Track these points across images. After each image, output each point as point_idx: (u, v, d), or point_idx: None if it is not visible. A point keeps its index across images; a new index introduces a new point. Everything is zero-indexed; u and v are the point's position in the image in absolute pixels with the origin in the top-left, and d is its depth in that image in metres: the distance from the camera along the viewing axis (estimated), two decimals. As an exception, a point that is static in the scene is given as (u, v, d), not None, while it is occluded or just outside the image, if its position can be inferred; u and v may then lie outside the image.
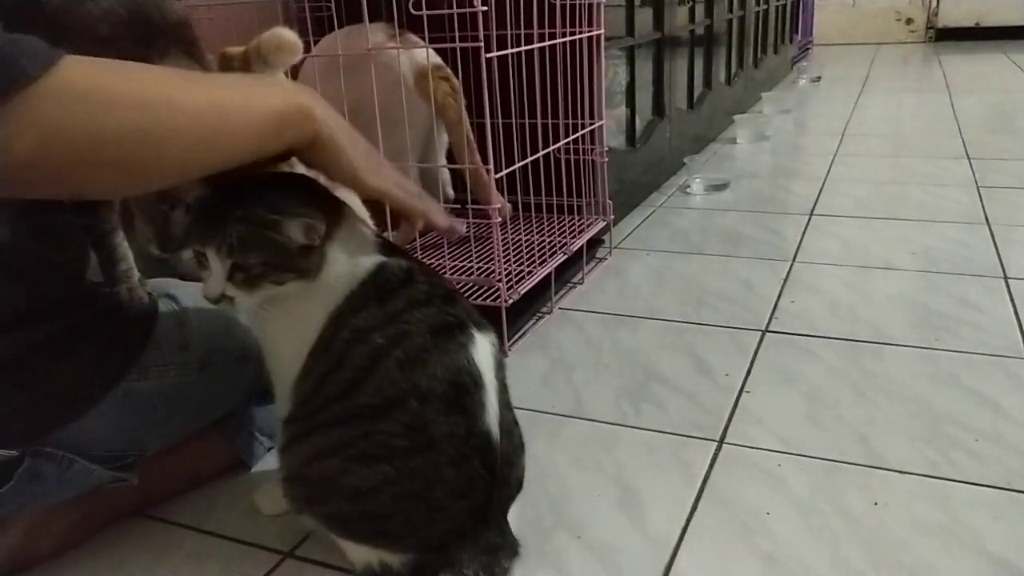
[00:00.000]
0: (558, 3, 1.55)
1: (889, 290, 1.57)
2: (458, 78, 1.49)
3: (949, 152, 2.67)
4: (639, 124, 2.16)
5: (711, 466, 1.05)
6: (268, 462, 1.08)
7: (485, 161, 1.33)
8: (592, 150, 1.70)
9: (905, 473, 1.01)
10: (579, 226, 1.69)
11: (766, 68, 4.03)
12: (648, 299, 1.59)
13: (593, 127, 1.67)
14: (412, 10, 1.20)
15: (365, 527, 0.79)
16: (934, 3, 6.31)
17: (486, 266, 1.49)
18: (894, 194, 2.23)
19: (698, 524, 0.94)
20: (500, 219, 1.35)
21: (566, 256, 1.58)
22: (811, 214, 2.08)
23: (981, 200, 2.12)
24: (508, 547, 0.81)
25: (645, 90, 2.21)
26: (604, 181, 1.73)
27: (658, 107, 2.33)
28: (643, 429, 1.14)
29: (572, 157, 1.68)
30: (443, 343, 0.77)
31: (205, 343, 0.97)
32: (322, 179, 0.81)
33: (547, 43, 1.53)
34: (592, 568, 0.88)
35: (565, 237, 1.64)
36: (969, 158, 2.57)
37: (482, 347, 0.79)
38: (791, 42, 4.94)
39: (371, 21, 1.29)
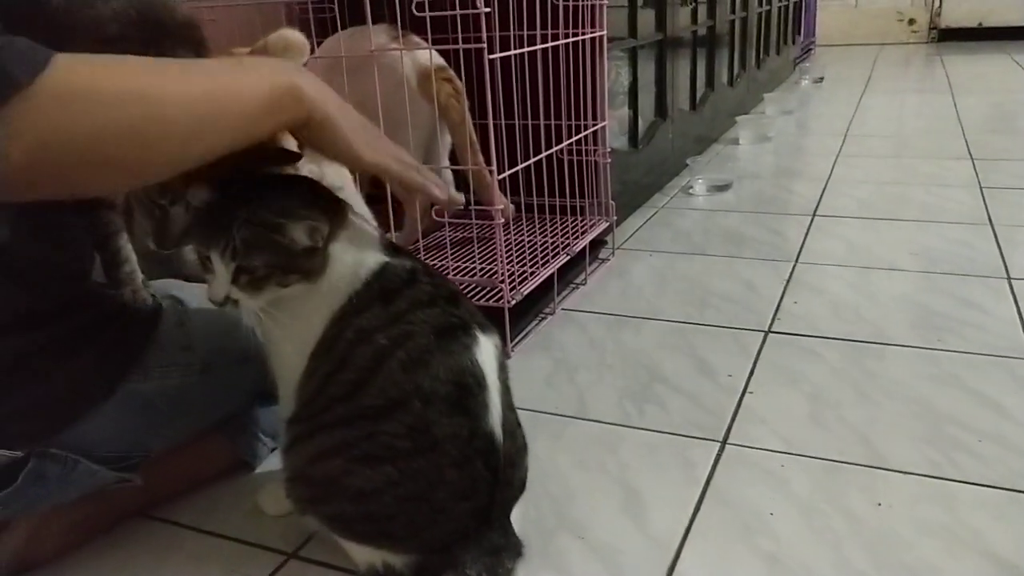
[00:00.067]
0: (561, 4, 1.55)
1: (892, 291, 1.57)
2: (461, 79, 1.49)
3: (952, 153, 2.67)
4: (641, 125, 2.16)
5: (714, 467, 1.05)
6: (271, 463, 1.08)
7: (488, 162, 1.33)
8: (595, 151, 1.70)
9: (907, 474, 1.01)
10: (582, 227, 1.69)
11: (768, 69, 4.02)
12: (651, 300, 1.59)
13: (595, 128, 1.67)
14: (415, 11, 1.20)
15: (368, 528, 0.79)
16: (936, 3, 6.30)
17: (489, 267, 1.49)
18: (897, 195, 2.23)
19: (701, 525, 0.94)
20: (503, 220, 1.35)
21: (569, 257, 1.58)
22: (814, 215, 2.08)
23: (984, 200, 2.11)
24: (511, 548, 0.81)
25: (647, 91, 2.21)
26: (607, 182, 1.73)
27: (660, 108, 2.33)
28: (646, 430, 1.14)
29: (575, 158, 1.68)
30: (446, 344, 0.77)
31: (208, 344, 0.97)
32: (325, 173, 0.81)
33: (550, 44, 1.53)
34: (595, 569, 0.88)
35: (568, 238, 1.64)
36: (972, 158, 2.57)
37: (485, 348, 0.79)
38: (793, 43, 4.94)
39: (374, 22, 1.30)
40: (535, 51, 1.53)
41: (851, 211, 2.10)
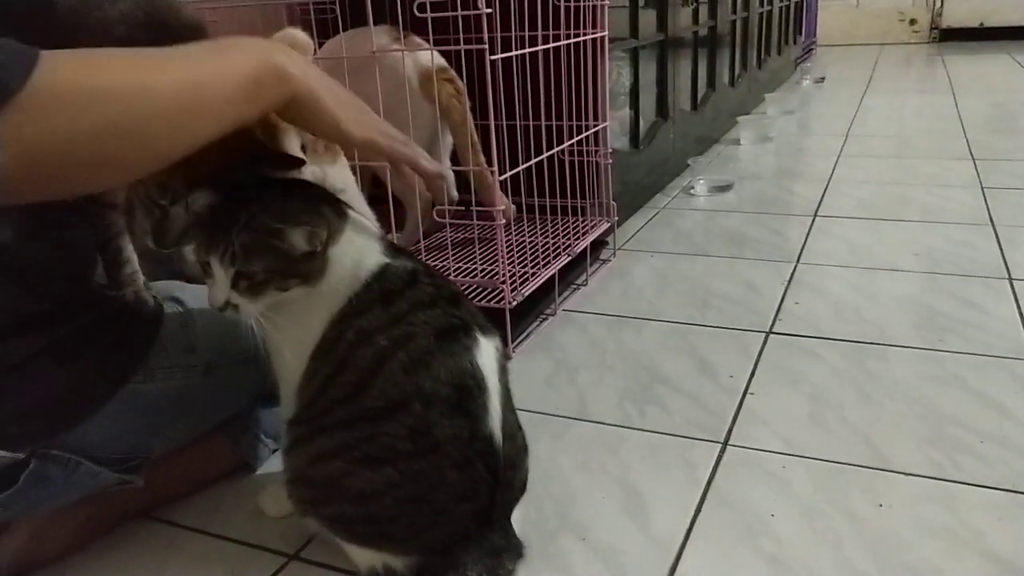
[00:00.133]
0: (562, 5, 1.55)
1: (893, 291, 1.57)
2: (462, 80, 1.49)
3: (953, 153, 2.66)
4: (643, 125, 2.16)
5: (715, 468, 1.05)
6: (273, 464, 1.08)
7: (489, 163, 1.33)
8: (596, 152, 1.70)
9: (910, 475, 1.01)
10: (583, 228, 1.69)
11: (770, 69, 4.02)
12: (652, 301, 1.59)
13: (597, 129, 1.67)
14: (416, 12, 1.20)
15: (369, 530, 0.79)
16: (938, 3, 6.30)
17: (490, 268, 1.49)
18: (898, 195, 2.23)
19: (702, 526, 0.94)
20: (504, 221, 1.35)
21: (570, 258, 1.58)
22: (815, 215, 2.08)
23: (985, 201, 2.11)
24: (512, 549, 0.81)
25: (649, 91, 2.21)
26: (608, 183, 1.73)
27: (662, 108, 2.33)
28: (647, 431, 1.14)
29: (576, 159, 1.68)
30: (447, 346, 0.77)
31: (210, 345, 0.97)
32: (327, 175, 0.81)
33: (551, 45, 1.53)
34: (596, 570, 0.88)
35: (569, 239, 1.64)
36: (973, 159, 2.57)
37: (486, 350, 0.79)
38: (794, 43, 4.94)
39: (375, 23, 1.30)
40: (536, 52, 1.53)
41: (852, 211, 2.10)
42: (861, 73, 4.83)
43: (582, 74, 1.62)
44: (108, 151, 0.61)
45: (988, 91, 3.91)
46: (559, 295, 1.57)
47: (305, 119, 0.74)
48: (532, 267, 1.51)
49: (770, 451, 1.08)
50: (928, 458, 1.04)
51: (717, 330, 1.45)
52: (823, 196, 2.26)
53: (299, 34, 0.89)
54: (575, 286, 1.68)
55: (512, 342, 1.41)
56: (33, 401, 0.83)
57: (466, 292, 1.35)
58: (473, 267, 1.52)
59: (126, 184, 0.84)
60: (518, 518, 0.84)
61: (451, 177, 1.71)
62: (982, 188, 2.23)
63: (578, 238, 1.64)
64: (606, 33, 1.63)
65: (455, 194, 1.74)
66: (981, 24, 6.17)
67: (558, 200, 1.66)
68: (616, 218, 1.76)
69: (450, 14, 1.20)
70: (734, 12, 3.16)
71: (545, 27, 1.55)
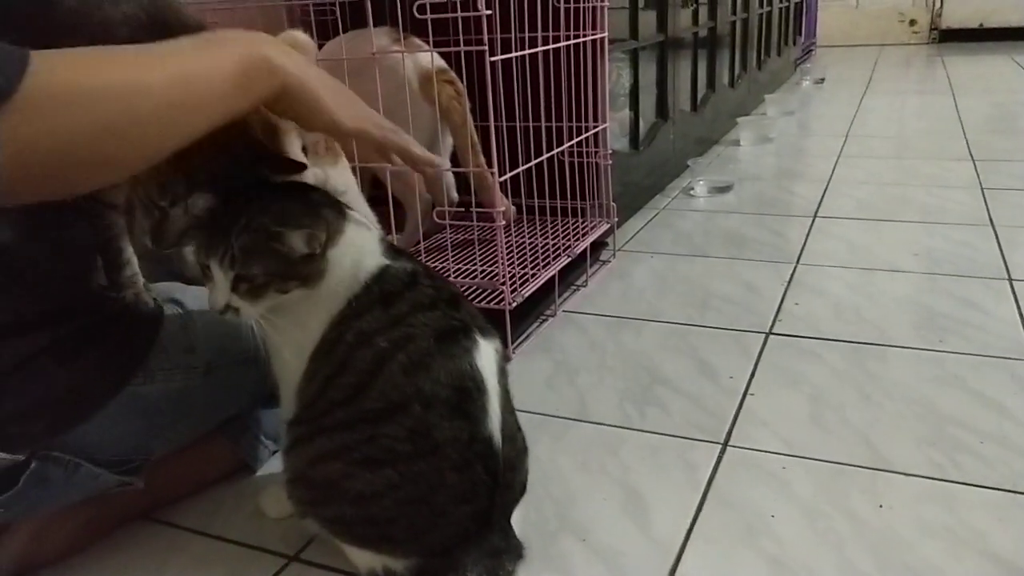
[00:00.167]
0: (562, 6, 1.55)
1: (893, 292, 1.57)
2: (462, 81, 1.50)
3: (953, 154, 2.67)
4: (643, 126, 2.16)
5: (715, 469, 1.05)
6: (273, 465, 1.08)
7: (489, 164, 1.34)
8: (596, 153, 1.70)
9: (910, 475, 1.01)
10: (583, 229, 1.69)
11: (769, 70, 4.03)
12: (652, 301, 1.59)
13: (597, 130, 1.67)
14: (416, 14, 1.20)
15: (368, 531, 0.79)
16: (937, 4, 6.30)
17: (490, 269, 1.49)
18: (898, 196, 2.23)
19: (703, 527, 0.94)
20: (504, 222, 1.35)
21: (570, 259, 1.58)
22: (815, 216, 2.08)
23: (985, 201, 2.11)
24: (512, 551, 0.81)
25: (649, 92, 2.21)
26: (608, 184, 1.73)
27: (662, 109, 2.33)
28: (647, 432, 1.14)
29: (576, 160, 1.68)
30: (447, 347, 0.77)
31: (210, 346, 0.97)
32: (329, 177, 0.81)
33: (551, 46, 1.53)
34: (597, 571, 0.88)
35: (569, 240, 1.64)
36: (973, 159, 2.57)
37: (486, 352, 0.79)
38: (794, 44, 4.94)
39: (375, 25, 1.30)
40: (536, 53, 1.53)
41: (852, 212, 2.10)
42: (861, 74, 4.83)
43: (582, 75, 1.62)
44: (102, 150, 0.61)
45: (988, 92, 3.91)
46: (559, 296, 1.57)
47: (296, 111, 0.74)
48: (532, 268, 1.51)
49: (770, 452, 1.08)
50: (928, 458, 1.04)
51: (717, 331, 1.45)
52: (823, 197, 2.26)
53: (301, 36, 0.89)
54: (575, 287, 1.68)
55: (512, 343, 1.41)
56: (33, 402, 0.83)
57: (466, 293, 1.35)
58: (473, 268, 1.52)
59: (123, 183, 0.84)
60: (518, 519, 0.84)
61: (451, 178, 1.71)
62: (982, 189, 2.23)
63: (578, 239, 1.64)
64: (606, 34, 1.63)
65: (455, 195, 1.74)
66: (981, 25, 6.18)
67: (558, 201, 1.66)
68: (616, 219, 1.76)
69: (450, 15, 1.20)
70: (734, 13, 3.16)
71: (545, 28, 1.55)
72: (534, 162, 1.50)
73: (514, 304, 1.37)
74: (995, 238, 1.83)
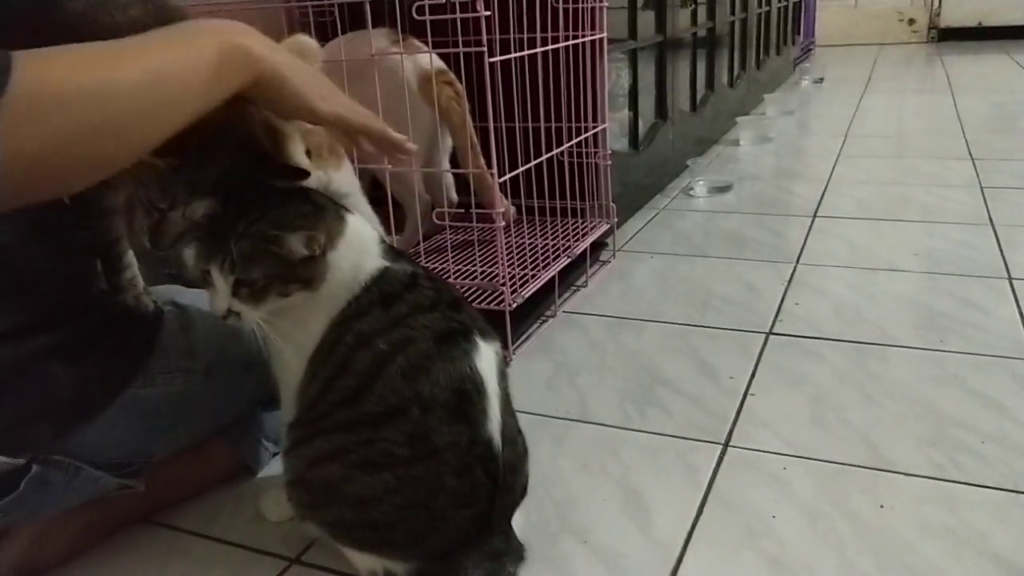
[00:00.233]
0: (560, 7, 1.55)
1: (893, 292, 1.57)
2: (461, 82, 1.50)
3: (952, 153, 2.67)
4: (642, 127, 2.16)
5: (716, 469, 1.05)
6: (274, 468, 1.08)
7: (489, 165, 1.34)
8: (595, 153, 1.70)
9: (911, 475, 1.01)
10: (582, 229, 1.69)
11: (768, 70, 4.03)
12: (652, 302, 1.59)
13: (596, 130, 1.67)
14: (415, 15, 1.20)
15: (368, 535, 0.79)
16: (936, 3, 6.30)
17: (490, 270, 1.49)
18: (897, 195, 2.23)
19: (704, 528, 0.94)
20: (504, 223, 1.35)
21: (570, 259, 1.58)
22: (814, 216, 2.08)
23: (985, 201, 2.11)
24: (513, 553, 0.81)
25: (648, 93, 2.21)
26: (607, 184, 1.73)
27: (661, 110, 2.33)
28: (648, 433, 1.14)
29: (575, 160, 1.68)
30: (447, 350, 0.77)
31: (210, 349, 0.97)
32: (332, 179, 0.81)
33: (550, 47, 1.53)
34: (598, 573, 0.88)
35: (568, 240, 1.64)
36: (972, 159, 2.57)
37: (486, 355, 0.79)
38: (793, 43, 4.94)
39: (374, 27, 1.30)
40: (535, 54, 1.53)
41: (852, 212, 2.10)
42: (860, 73, 4.83)
43: (581, 76, 1.62)
44: (84, 151, 0.61)
45: (987, 91, 3.91)
46: (559, 297, 1.57)
47: (271, 98, 0.74)
48: (532, 269, 1.51)
49: (771, 452, 1.08)
50: (929, 459, 1.04)
51: (717, 331, 1.45)
52: (822, 196, 2.26)
53: (308, 40, 0.89)
54: (575, 288, 1.68)
55: (512, 344, 1.41)
56: (34, 405, 0.83)
57: (466, 294, 1.35)
58: (473, 269, 1.52)
59: (123, 185, 0.84)
60: (519, 521, 0.84)
61: (450, 179, 1.71)
62: (981, 188, 2.23)
63: (578, 240, 1.64)
64: (604, 35, 1.63)
65: (455, 196, 1.74)
66: (979, 24, 6.18)
67: (558, 202, 1.66)
68: (616, 219, 1.76)
69: (449, 17, 1.20)
70: (733, 13, 3.16)
71: (544, 29, 1.55)
72: (533, 163, 1.50)
73: (514, 305, 1.37)
74: (995, 237, 1.83)
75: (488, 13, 1.19)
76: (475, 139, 1.51)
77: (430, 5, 1.18)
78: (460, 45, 1.27)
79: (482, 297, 1.41)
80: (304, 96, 0.74)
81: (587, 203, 1.73)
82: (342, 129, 0.81)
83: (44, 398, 0.83)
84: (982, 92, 3.87)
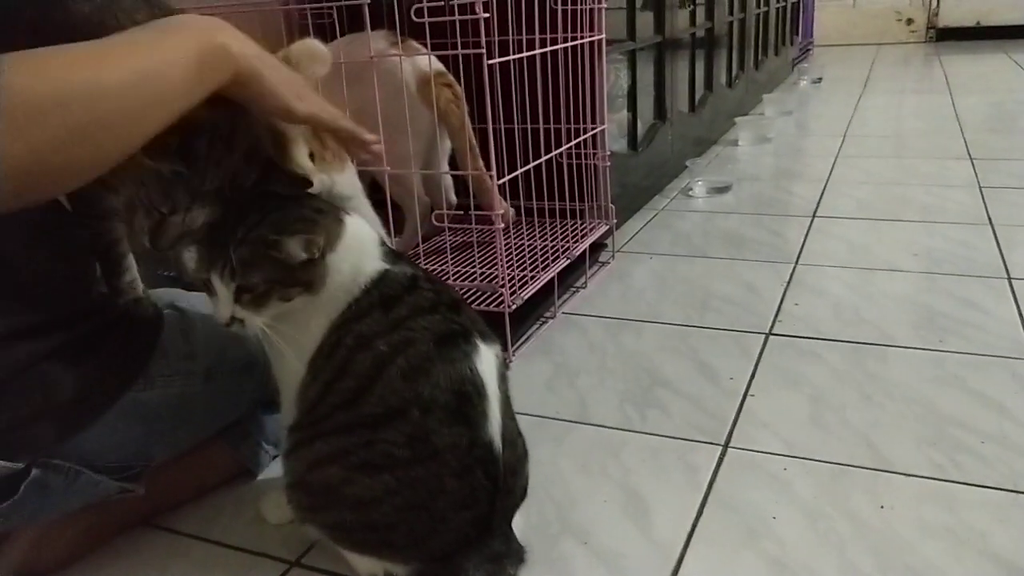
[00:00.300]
0: (559, 8, 1.55)
1: (893, 292, 1.57)
2: (460, 84, 1.50)
3: (951, 152, 2.67)
4: (641, 128, 2.16)
5: (716, 470, 1.05)
6: (274, 470, 1.08)
7: (488, 166, 1.33)
8: (594, 154, 1.70)
9: (911, 476, 1.01)
10: (582, 230, 1.69)
11: (767, 70, 4.03)
12: (651, 303, 1.59)
13: (595, 131, 1.67)
14: (414, 17, 1.20)
15: (368, 537, 0.79)
16: (934, 3, 6.30)
17: (489, 271, 1.49)
18: (896, 195, 2.23)
19: (704, 529, 0.94)
20: (503, 224, 1.35)
21: (569, 261, 1.58)
22: (813, 216, 2.08)
23: (984, 201, 2.11)
24: (513, 555, 0.81)
25: (646, 93, 2.21)
26: (606, 185, 1.73)
27: (659, 110, 2.33)
28: (648, 434, 1.14)
29: (574, 161, 1.68)
30: (447, 352, 0.77)
31: (210, 352, 0.97)
32: (336, 182, 0.82)
33: (549, 49, 1.53)
34: (598, 574, 0.88)
35: (568, 241, 1.64)
36: (971, 158, 2.57)
37: (486, 358, 0.79)
38: (791, 44, 4.94)
39: (373, 29, 1.30)
40: (534, 55, 1.53)
41: (851, 212, 2.10)
42: (858, 73, 4.84)
43: (580, 77, 1.62)
44: (71, 153, 0.62)
45: (985, 90, 3.92)
46: (558, 298, 1.57)
47: (248, 97, 0.75)
48: (531, 270, 1.51)
49: (771, 453, 1.08)
50: (929, 459, 1.04)
51: (717, 332, 1.45)
52: (821, 196, 2.26)
53: (317, 45, 0.89)
54: (574, 289, 1.68)
55: (512, 346, 1.40)
56: (34, 409, 0.83)
57: (465, 296, 1.35)
58: (472, 271, 1.52)
59: (124, 187, 0.84)
60: (519, 523, 0.84)
61: (449, 181, 1.71)
62: (980, 188, 2.23)
63: (577, 241, 1.64)
64: (603, 36, 1.63)
65: (454, 198, 1.74)
66: (978, 23, 6.18)
67: (557, 203, 1.66)
68: (615, 221, 1.76)
69: (447, 19, 1.20)
70: (731, 13, 3.16)
71: (542, 31, 1.55)
72: (532, 164, 1.50)
73: (513, 307, 1.37)
74: (994, 237, 1.83)
75: (487, 15, 1.19)
76: (474, 141, 1.51)
77: (429, 7, 1.18)
78: (459, 47, 1.27)
79: (481, 299, 1.41)
80: (280, 95, 0.75)
81: (586, 204, 1.73)
82: (315, 128, 0.83)
83: (44, 401, 0.83)
84: (980, 92, 3.88)
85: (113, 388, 0.89)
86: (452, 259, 1.54)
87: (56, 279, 0.86)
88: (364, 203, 1.12)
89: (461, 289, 1.40)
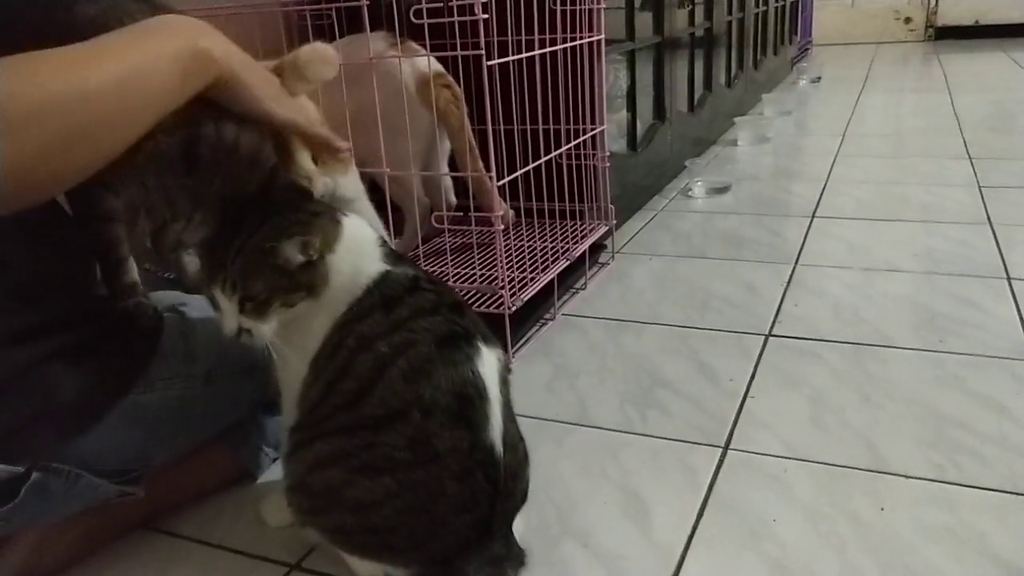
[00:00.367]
0: (558, 9, 1.55)
1: (892, 292, 1.57)
2: (459, 85, 1.50)
3: (950, 152, 2.67)
4: (640, 128, 2.16)
5: (716, 472, 1.05)
6: (274, 473, 1.08)
7: (487, 168, 1.33)
8: (593, 155, 1.70)
9: (911, 477, 1.01)
10: (581, 231, 1.69)
11: (766, 69, 4.03)
12: (651, 304, 1.59)
13: (594, 132, 1.67)
14: (413, 19, 1.20)
15: (369, 540, 0.79)
16: (933, 2, 6.31)
17: (489, 273, 1.49)
18: (896, 195, 2.23)
19: (704, 531, 0.94)
20: (502, 226, 1.35)
21: (568, 262, 1.58)
22: (813, 216, 2.08)
23: (983, 200, 2.11)
24: (514, 558, 0.81)
25: (646, 94, 2.21)
26: (606, 186, 1.73)
27: (659, 110, 2.33)
28: (648, 436, 1.14)
29: (574, 162, 1.68)
30: (448, 354, 0.77)
31: (211, 354, 0.97)
32: (339, 185, 0.82)
33: (548, 49, 1.53)
34: (599, 576, 0.88)
35: (567, 242, 1.64)
36: (970, 158, 2.57)
37: (488, 360, 0.79)
38: (790, 43, 4.94)
39: (372, 30, 1.30)
40: (533, 56, 1.53)
41: (850, 212, 2.10)
42: (857, 72, 4.84)
43: (579, 77, 1.62)
44: (61, 159, 0.63)
45: (984, 89, 3.92)
46: (558, 299, 1.57)
47: (228, 99, 0.76)
48: (531, 272, 1.51)
49: (771, 455, 1.08)
50: (929, 460, 1.04)
51: (717, 333, 1.45)
52: (821, 196, 2.26)
53: (325, 48, 0.89)
54: (574, 290, 1.68)
55: (512, 347, 1.40)
56: (34, 412, 0.83)
57: (465, 298, 1.35)
58: (472, 272, 1.52)
59: (126, 190, 0.84)
60: (519, 525, 0.83)
61: (449, 182, 1.71)
62: (979, 187, 2.23)
63: (576, 242, 1.64)
64: (602, 36, 1.63)
65: (453, 199, 1.74)
66: (976, 22, 6.18)
67: (556, 204, 1.66)
68: (614, 221, 1.76)
69: (447, 20, 1.20)
70: (730, 13, 3.16)
71: (542, 31, 1.55)
72: (532, 165, 1.50)
73: (513, 308, 1.37)
74: (993, 237, 1.83)
75: (486, 16, 1.19)
76: (473, 142, 1.51)
77: (428, 8, 1.18)
78: (458, 48, 1.27)
79: (481, 300, 1.41)
80: (259, 100, 0.77)
81: (586, 205, 1.73)
82: (291, 132, 0.83)
83: (44, 404, 0.83)
84: (979, 90, 3.88)
85: (113, 391, 0.89)
86: (452, 261, 1.54)
87: (56, 281, 0.86)
88: (367, 205, 1.12)
89: (461, 291, 1.40)
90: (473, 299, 1.41)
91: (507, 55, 1.40)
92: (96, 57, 0.67)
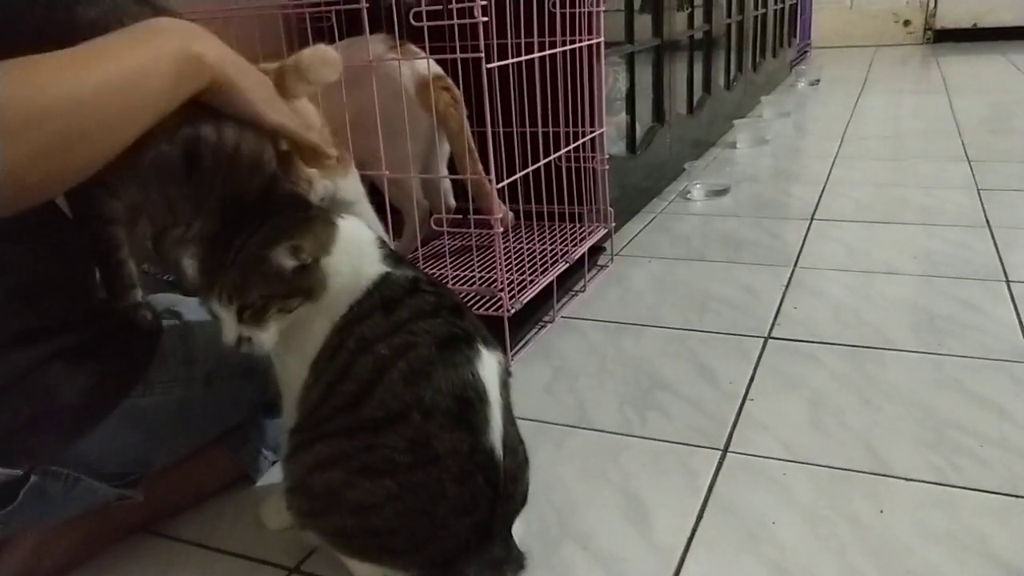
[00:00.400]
0: (558, 11, 1.55)
1: (892, 294, 1.57)
2: (459, 88, 1.50)
3: (949, 154, 2.67)
4: (639, 130, 2.16)
5: (716, 474, 1.05)
6: (273, 476, 1.08)
7: (486, 170, 1.33)
8: (593, 157, 1.70)
9: (911, 480, 1.01)
10: (580, 234, 1.69)
11: (765, 72, 4.03)
12: (650, 306, 1.59)
13: (594, 135, 1.67)
14: (412, 21, 1.20)
15: (369, 543, 0.79)
16: (932, 4, 6.31)
17: (488, 275, 1.49)
18: (895, 197, 2.23)
19: (704, 533, 0.94)
20: (502, 228, 1.35)
21: (568, 264, 1.58)
22: (812, 218, 2.08)
23: (981, 203, 2.12)
24: (513, 561, 0.81)
25: (645, 96, 2.21)
26: (605, 188, 1.73)
27: (658, 113, 2.33)
28: (647, 438, 1.14)
29: (573, 165, 1.68)
30: (449, 356, 0.77)
31: (210, 357, 0.97)
32: (339, 187, 0.82)
33: (547, 52, 1.53)
34: (599, 579, 0.88)
35: (566, 245, 1.64)
36: (969, 160, 2.57)
37: (488, 363, 0.79)
38: (789, 45, 4.95)
39: (371, 32, 1.30)
40: (533, 59, 1.53)
41: (850, 214, 2.10)
42: (856, 75, 4.84)
43: (578, 80, 1.62)
44: (58, 161, 0.63)
45: (983, 92, 3.92)
46: (557, 302, 1.57)
47: (221, 103, 0.77)
48: (530, 274, 1.51)
49: (771, 457, 1.08)
50: (929, 462, 1.04)
51: (716, 335, 1.45)
52: (820, 198, 2.26)
53: (328, 51, 0.89)
54: (573, 293, 1.68)
55: (511, 350, 1.40)
56: (33, 416, 0.83)
57: (464, 300, 1.35)
58: (471, 275, 1.52)
59: (127, 194, 0.84)
60: (519, 529, 0.83)
61: (448, 185, 1.71)
62: (978, 190, 2.24)
63: (576, 244, 1.64)
64: (602, 39, 1.63)
65: (452, 202, 1.74)
66: (975, 25, 6.19)
67: (555, 206, 1.66)
68: (613, 223, 1.76)
69: (446, 23, 1.20)
70: (729, 16, 3.17)
71: (541, 34, 1.55)
72: (531, 168, 1.50)
73: (512, 311, 1.37)
74: (992, 239, 1.83)
75: (486, 19, 1.19)
76: (473, 144, 1.51)
77: (427, 11, 1.18)
78: (458, 51, 1.27)
79: (480, 303, 1.41)
80: (251, 103, 0.78)
81: (585, 207, 1.73)
82: (282, 136, 0.84)
83: (43, 407, 0.83)
84: (978, 93, 3.88)
85: (112, 394, 0.88)
86: (451, 263, 1.54)
87: (56, 283, 0.86)
88: (367, 207, 1.12)
89: (460, 293, 1.40)
90: (472, 301, 1.41)
91: (507, 58, 1.40)
92: (94, 59, 0.67)
